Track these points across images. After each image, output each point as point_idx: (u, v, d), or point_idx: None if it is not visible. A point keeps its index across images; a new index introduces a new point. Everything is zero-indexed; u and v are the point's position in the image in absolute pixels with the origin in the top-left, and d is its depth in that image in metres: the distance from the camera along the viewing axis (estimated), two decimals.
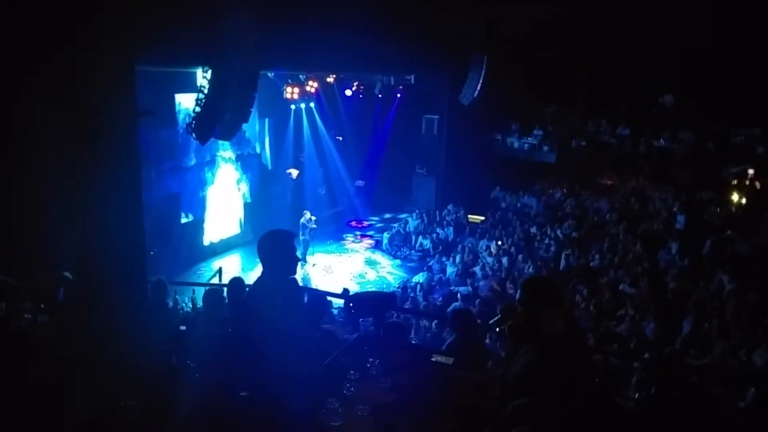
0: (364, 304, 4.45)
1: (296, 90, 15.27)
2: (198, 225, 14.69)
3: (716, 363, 6.83)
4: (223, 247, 15.37)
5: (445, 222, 17.26)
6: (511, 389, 2.19)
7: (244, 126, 13.26)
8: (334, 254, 16.01)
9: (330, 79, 16.43)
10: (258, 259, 3.24)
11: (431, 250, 16.02)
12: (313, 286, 12.95)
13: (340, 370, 2.99)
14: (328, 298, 6.53)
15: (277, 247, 3.22)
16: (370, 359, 3.11)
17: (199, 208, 14.67)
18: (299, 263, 3.29)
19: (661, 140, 17.95)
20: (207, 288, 6.27)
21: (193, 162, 14.29)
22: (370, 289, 13.44)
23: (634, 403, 3.56)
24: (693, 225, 12.93)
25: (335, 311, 8.12)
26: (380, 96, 18.72)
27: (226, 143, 14.24)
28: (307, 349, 3.16)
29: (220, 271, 10.58)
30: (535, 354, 2.20)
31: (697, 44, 14.10)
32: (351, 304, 4.99)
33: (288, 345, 3.00)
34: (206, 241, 14.94)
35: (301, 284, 12.83)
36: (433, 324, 8.67)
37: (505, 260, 13.90)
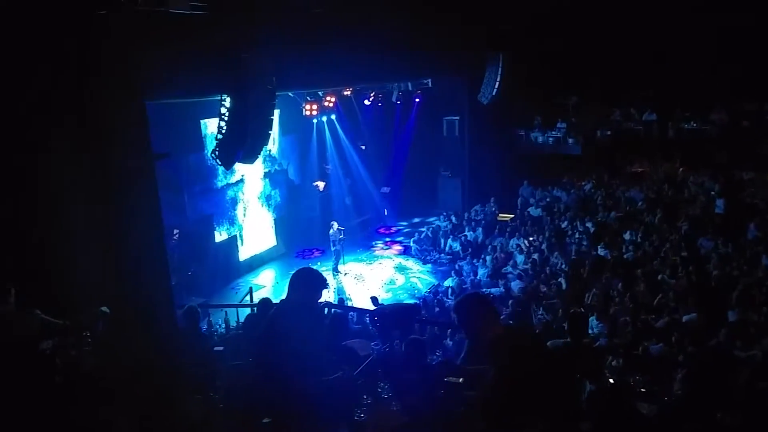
0: (388, 318, 4.45)
1: (315, 106, 15.45)
2: (232, 243, 15.02)
3: (765, 355, 6.44)
4: (258, 262, 15.68)
5: (473, 223, 17.14)
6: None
7: (271, 143, 13.50)
8: (364, 262, 16.10)
9: (347, 92, 16.53)
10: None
11: (461, 252, 15.92)
12: (345, 297, 13.19)
13: (352, 395, 3.02)
14: (357, 306, 6.35)
15: (307, 286, 3.42)
16: (382, 383, 3.11)
17: (232, 226, 15.01)
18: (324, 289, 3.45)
19: (692, 123, 17.25)
20: (248, 313, 6.37)
21: (223, 183, 14.65)
22: (399, 298, 13.46)
23: (657, 408, 3.44)
24: (734, 208, 12.33)
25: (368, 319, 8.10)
26: (399, 103, 18.78)
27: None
28: (322, 370, 3.28)
29: (251, 291, 10.74)
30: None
31: (729, 18, 13.54)
32: (376, 319, 5.10)
33: (304, 367, 3.19)
34: (242, 257, 15.26)
35: (333, 296, 13.35)
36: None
37: (536, 257, 13.67)
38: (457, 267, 14.44)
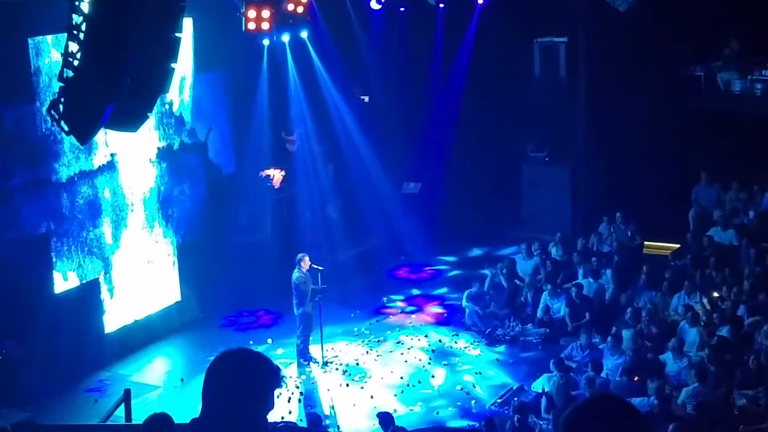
0: None
1: (267, 13, 15.43)
2: (90, 295, 15.29)
3: None
4: (143, 338, 15.95)
5: (595, 261, 17.21)
6: None
7: (173, 89, 13.52)
8: (364, 341, 16.30)
9: None
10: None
11: (568, 320, 15.98)
12: (322, 412, 13.50)
13: None
14: None
15: (243, 389, 3.62)
16: None
17: (90, 259, 15.26)
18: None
19: None
20: None
21: (73, 169, 14.90)
22: (436, 418, 13.54)
23: None
24: None
25: None
26: (442, 6, 18.93)
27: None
28: None
29: (126, 397, 10.70)
30: None
31: None
32: None
33: None
34: (109, 327, 15.53)
35: (298, 410, 13.59)
36: None
37: (725, 332, 13.76)
38: (564, 353, 14.54)
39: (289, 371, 14.92)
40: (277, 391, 3.93)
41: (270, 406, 3.73)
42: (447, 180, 20.45)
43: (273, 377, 3.76)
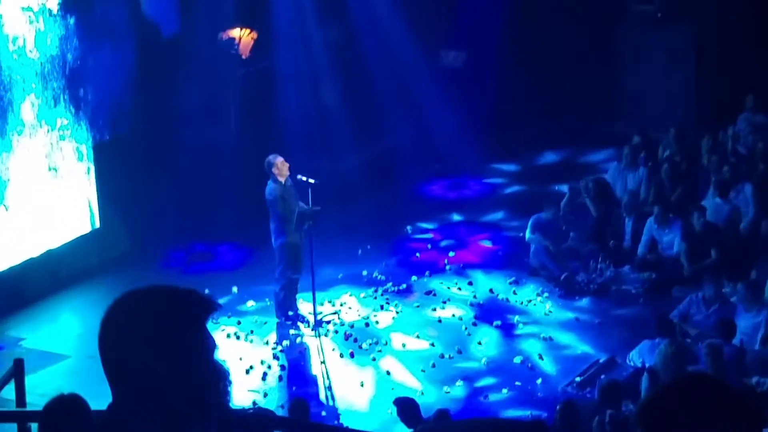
0: None
1: None
2: None
3: None
4: (45, 282, 16.13)
5: (727, 171, 17.19)
6: None
7: None
8: (377, 291, 16.45)
9: None
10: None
11: (684, 260, 16.04)
12: (321, 386, 13.55)
13: None
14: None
15: (155, 343, 3.52)
16: None
17: None
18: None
19: None
20: None
21: None
22: (481, 405, 13.56)
23: None
24: None
25: None
26: None
27: None
28: None
29: (17, 368, 10.77)
30: None
31: None
32: None
33: None
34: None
35: (275, 392, 13.73)
36: None
37: None
38: (677, 310, 14.53)
39: (265, 334, 15.00)
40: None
41: (213, 371, 3.63)
42: (506, 48, 20.40)
43: (202, 315, 3.64)
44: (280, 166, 14.92)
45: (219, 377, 3.63)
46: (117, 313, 3.66)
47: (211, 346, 3.66)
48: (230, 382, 3.84)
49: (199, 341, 3.64)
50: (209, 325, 3.75)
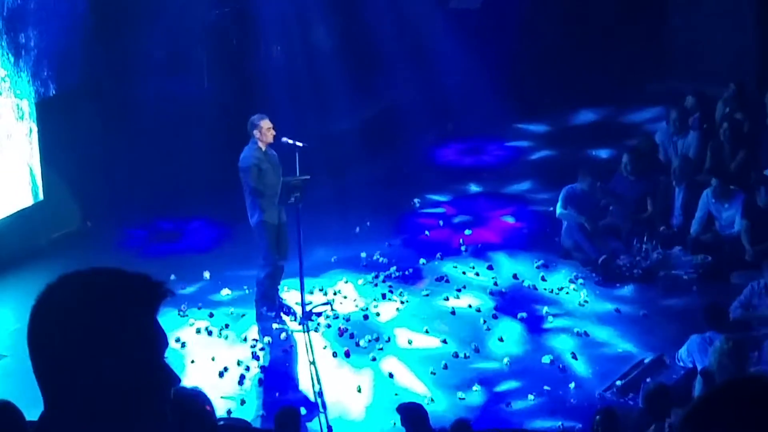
0: None
1: None
2: None
3: None
4: None
5: None
6: None
7: None
8: (377, 276, 16.57)
9: None
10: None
11: (745, 241, 16.04)
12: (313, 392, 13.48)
13: None
14: None
15: (87, 346, 3.45)
16: None
17: None
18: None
19: None
20: None
21: None
22: (500, 413, 13.64)
23: None
24: None
25: None
26: None
27: None
28: None
29: None
30: None
31: None
32: None
33: None
34: None
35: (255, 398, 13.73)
36: None
37: None
38: (738, 301, 14.50)
39: (242, 329, 15.07)
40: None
41: (162, 374, 3.59)
42: None
43: (150, 304, 3.61)
44: (265, 131, 14.91)
45: (167, 383, 3.59)
46: (48, 302, 3.60)
47: (160, 343, 3.56)
48: (208, 400, 3.84)
49: (144, 336, 3.57)
50: (172, 318, 3.75)
